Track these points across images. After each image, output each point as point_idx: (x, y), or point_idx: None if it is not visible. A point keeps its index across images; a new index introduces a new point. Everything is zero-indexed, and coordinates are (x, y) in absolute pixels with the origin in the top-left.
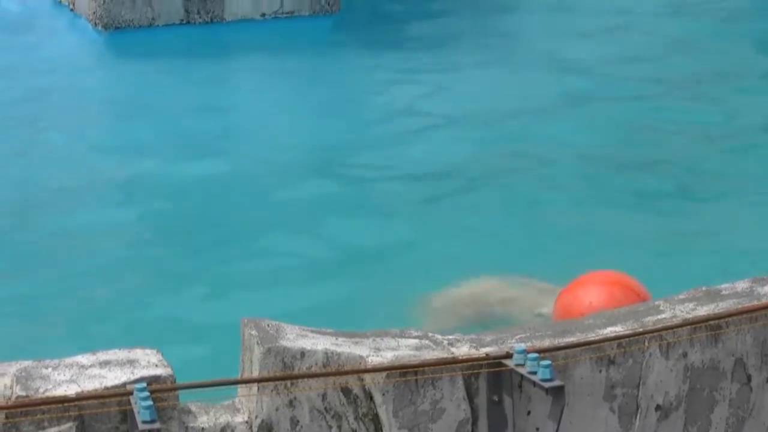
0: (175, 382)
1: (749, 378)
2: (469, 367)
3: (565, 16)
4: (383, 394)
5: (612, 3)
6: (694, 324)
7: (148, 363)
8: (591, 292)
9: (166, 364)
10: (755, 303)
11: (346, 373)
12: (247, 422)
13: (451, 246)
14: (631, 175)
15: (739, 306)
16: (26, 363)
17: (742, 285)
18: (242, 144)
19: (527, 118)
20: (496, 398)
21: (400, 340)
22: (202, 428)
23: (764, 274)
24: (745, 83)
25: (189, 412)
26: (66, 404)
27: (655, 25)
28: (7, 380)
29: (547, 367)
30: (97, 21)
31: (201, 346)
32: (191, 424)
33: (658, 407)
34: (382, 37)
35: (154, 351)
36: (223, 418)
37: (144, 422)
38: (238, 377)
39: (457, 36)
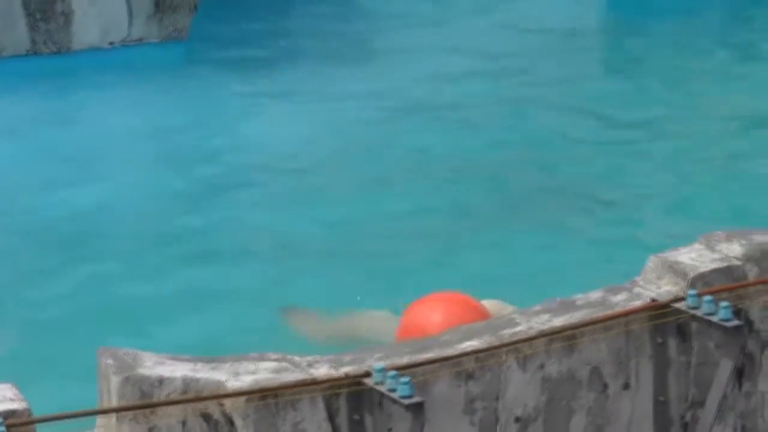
0: (31, 415)
1: (605, 386)
2: (329, 388)
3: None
4: (244, 419)
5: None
6: (550, 335)
7: (4, 398)
8: (431, 310)
9: (21, 398)
10: (608, 312)
11: (206, 398)
12: None
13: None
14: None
15: (593, 315)
16: None
17: (595, 295)
18: (91, 172)
19: (374, 140)
20: (357, 417)
21: (259, 363)
22: None
23: (616, 282)
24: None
25: None
26: None
27: None
28: None
29: (406, 384)
30: None
31: (58, 378)
32: None
33: (517, 419)
34: (230, 62)
35: (9, 385)
36: None
37: None
38: (96, 407)
39: (311, 59)
